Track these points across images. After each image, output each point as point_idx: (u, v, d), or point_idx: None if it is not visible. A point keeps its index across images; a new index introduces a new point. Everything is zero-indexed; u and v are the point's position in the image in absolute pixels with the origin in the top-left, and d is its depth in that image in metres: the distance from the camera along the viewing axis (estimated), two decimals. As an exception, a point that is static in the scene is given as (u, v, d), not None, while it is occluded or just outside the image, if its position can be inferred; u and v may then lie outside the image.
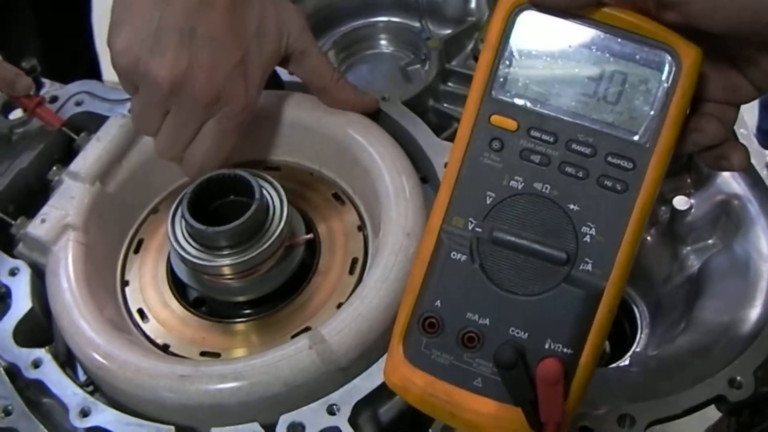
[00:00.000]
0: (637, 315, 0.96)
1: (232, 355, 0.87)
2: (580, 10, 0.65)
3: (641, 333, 0.96)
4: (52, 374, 0.85)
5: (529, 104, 0.66)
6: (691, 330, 0.87)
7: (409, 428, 0.84)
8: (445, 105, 1.07)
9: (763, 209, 0.90)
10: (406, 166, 0.91)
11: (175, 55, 0.83)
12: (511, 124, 0.66)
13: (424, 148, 0.95)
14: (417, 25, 1.15)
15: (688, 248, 0.95)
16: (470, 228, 0.66)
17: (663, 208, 0.97)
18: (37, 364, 0.85)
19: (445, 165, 0.91)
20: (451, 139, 1.01)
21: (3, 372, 0.85)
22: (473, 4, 1.13)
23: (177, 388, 0.80)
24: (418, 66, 1.13)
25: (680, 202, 0.93)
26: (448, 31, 1.12)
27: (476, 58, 1.12)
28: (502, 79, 0.66)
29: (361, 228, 0.95)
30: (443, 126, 1.05)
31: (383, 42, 1.15)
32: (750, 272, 0.87)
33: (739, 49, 0.65)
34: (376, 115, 0.97)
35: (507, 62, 0.66)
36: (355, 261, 0.92)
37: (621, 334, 0.99)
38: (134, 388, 0.82)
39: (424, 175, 0.97)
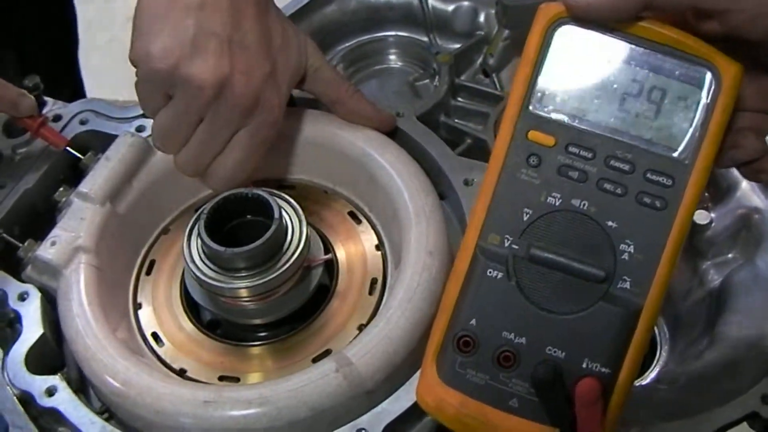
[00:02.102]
0: (657, 331, 0.95)
1: (251, 379, 0.85)
2: (619, 23, 0.65)
3: (661, 349, 0.95)
4: (67, 402, 0.82)
5: (567, 119, 0.65)
6: (717, 346, 0.86)
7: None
8: (456, 120, 1.06)
9: (785, 223, 0.90)
10: (425, 184, 0.90)
11: (218, 59, 0.82)
12: (548, 139, 0.66)
13: (441, 164, 0.94)
14: (425, 39, 1.14)
15: (708, 263, 0.94)
16: (506, 245, 0.65)
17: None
18: (51, 392, 0.82)
19: (466, 182, 0.92)
20: (464, 155, 1.00)
21: (17, 401, 0.83)
22: (482, 19, 1.12)
23: (200, 415, 0.77)
24: (427, 81, 1.12)
25: (700, 216, 0.93)
26: (456, 46, 1.11)
27: (485, 73, 1.11)
28: (539, 94, 0.66)
29: (379, 247, 0.93)
30: (455, 141, 1.04)
31: (392, 57, 1.14)
32: (774, 287, 0.87)
33: None
34: (392, 131, 0.96)
35: (545, 77, 0.66)
36: (374, 281, 0.90)
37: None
38: (154, 415, 0.79)
39: (441, 191, 0.96)
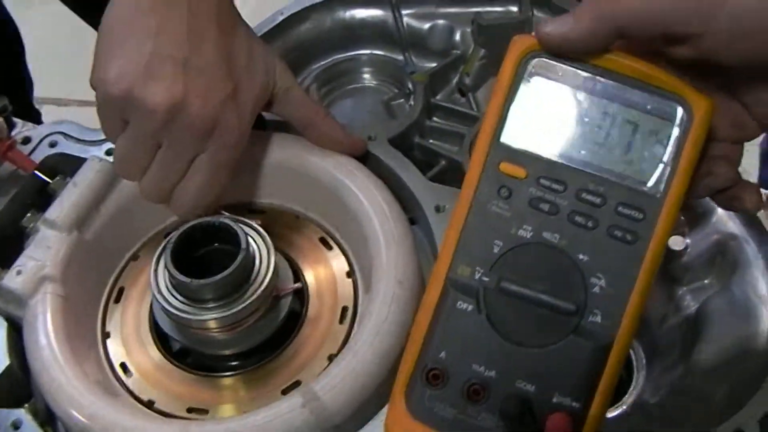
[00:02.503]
0: (633, 357, 0.94)
1: (221, 411, 0.84)
2: (591, 56, 0.65)
3: (638, 374, 0.94)
4: (32, 436, 0.81)
5: (538, 152, 0.65)
6: (691, 376, 0.85)
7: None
8: (431, 141, 1.05)
9: (761, 250, 0.88)
10: (395, 210, 0.89)
11: (171, 82, 0.81)
12: (520, 171, 0.65)
13: (413, 189, 0.93)
14: (400, 58, 1.12)
15: (684, 288, 0.93)
16: (477, 277, 0.65)
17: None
18: (17, 425, 0.82)
19: (437, 208, 0.91)
20: (438, 177, 0.99)
21: (-20, 435, 0.82)
22: (458, 37, 1.10)
23: (165, 451, 0.77)
24: (402, 100, 1.10)
25: (676, 242, 0.92)
26: (432, 64, 1.10)
27: (462, 92, 1.10)
28: (511, 126, 0.66)
29: (350, 274, 0.92)
30: (430, 163, 1.03)
31: (366, 76, 1.12)
32: (749, 316, 0.86)
33: (744, 84, 0.65)
34: (363, 156, 0.95)
35: (517, 108, 0.66)
36: (345, 309, 0.89)
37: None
38: (119, 450, 0.78)
39: (413, 216, 0.95)
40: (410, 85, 1.08)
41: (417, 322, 0.66)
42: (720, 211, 0.92)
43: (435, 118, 1.06)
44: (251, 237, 0.86)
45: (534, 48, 0.66)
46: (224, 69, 0.84)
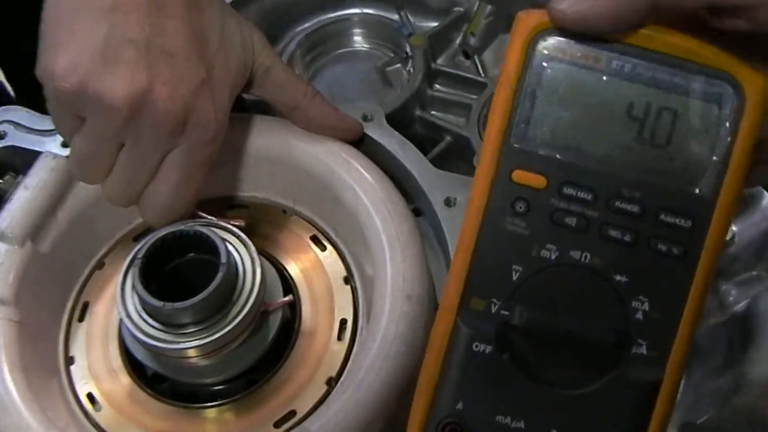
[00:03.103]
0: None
1: (206, 450, 0.74)
2: (616, 33, 0.53)
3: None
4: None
5: (558, 155, 0.54)
6: (745, 391, 0.75)
7: None
8: (433, 113, 0.93)
9: (820, 240, 0.77)
10: (399, 207, 0.77)
11: (132, 70, 0.68)
12: (538, 180, 0.54)
13: (418, 180, 0.81)
14: (395, 17, 0.99)
15: (730, 282, 0.82)
16: (493, 311, 0.54)
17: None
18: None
19: (447, 201, 0.79)
20: (444, 155, 0.88)
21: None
22: (460, -8, 0.97)
23: None
24: (399, 65, 0.97)
25: (720, 230, 0.81)
26: (432, 24, 0.97)
27: (466, 54, 0.97)
28: (523, 125, 0.54)
29: (348, 280, 0.80)
30: (433, 138, 0.91)
31: (358, 38, 0.99)
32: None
33: None
34: (359, 140, 0.82)
35: (529, 103, 0.54)
36: (343, 323, 0.78)
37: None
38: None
39: (417, 207, 0.83)
40: (408, 49, 0.94)
41: (426, 365, 0.56)
42: (769, 194, 0.80)
43: (437, 86, 0.94)
44: (232, 245, 0.74)
45: (546, 26, 0.53)
46: (195, 51, 0.72)
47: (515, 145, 0.54)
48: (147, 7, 0.70)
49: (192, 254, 0.75)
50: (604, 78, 0.53)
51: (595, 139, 0.53)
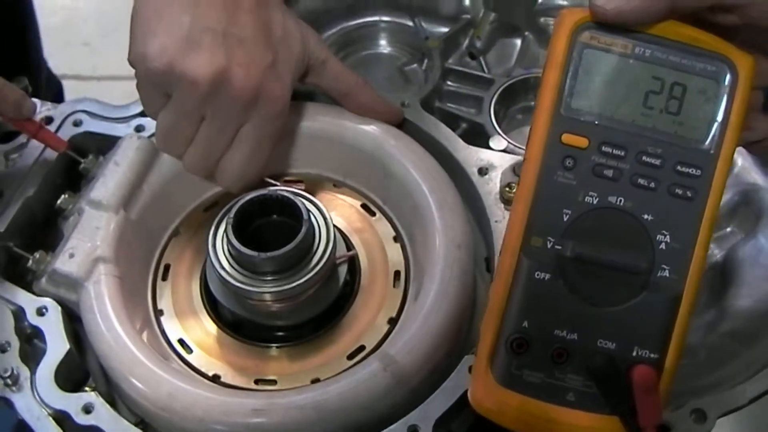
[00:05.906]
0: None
1: (288, 381, 0.85)
2: (641, 26, 0.68)
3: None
4: (107, 419, 0.80)
5: (597, 120, 0.68)
6: (730, 318, 0.90)
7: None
8: (449, 104, 1.07)
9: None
10: (443, 176, 0.91)
11: (212, 53, 0.81)
12: (582, 141, 0.68)
13: (453, 153, 0.95)
14: (409, 24, 1.14)
15: (708, 239, 0.98)
16: (550, 246, 0.68)
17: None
18: (88, 410, 0.81)
19: (480, 171, 0.92)
20: (462, 137, 1.01)
21: (52, 420, 0.81)
22: (467, 2, 1.13)
23: (253, 425, 0.77)
24: (415, 66, 1.12)
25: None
26: (441, 29, 1.12)
27: (472, 56, 1.12)
28: (569, 98, 0.68)
29: (397, 239, 0.93)
30: (450, 126, 1.05)
31: (382, 42, 1.13)
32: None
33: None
34: (400, 123, 0.96)
35: (573, 80, 0.68)
36: (397, 273, 0.91)
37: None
38: (200, 425, 0.78)
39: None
40: (424, 51, 1.09)
41: (494, 293, 0.69)
42: (741, 162, 0.96)
43: (449, 82, 1.08)
44: (309, 210, 0.86)
45: (585, 20, 0.68)
46: (263, 39, 0.85)
47: (563, 114, 0.68)
48: (223, 2, 0.83)
49: (275, 216, 0.88)
50: (631, 61, 0.68)
51: (625, 108, 0.68)
